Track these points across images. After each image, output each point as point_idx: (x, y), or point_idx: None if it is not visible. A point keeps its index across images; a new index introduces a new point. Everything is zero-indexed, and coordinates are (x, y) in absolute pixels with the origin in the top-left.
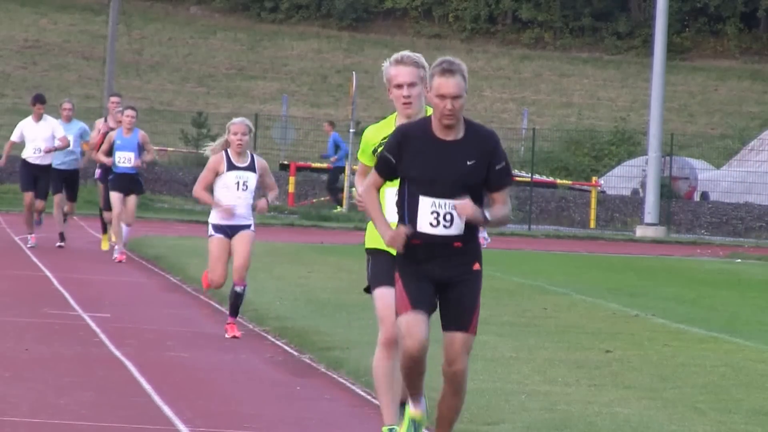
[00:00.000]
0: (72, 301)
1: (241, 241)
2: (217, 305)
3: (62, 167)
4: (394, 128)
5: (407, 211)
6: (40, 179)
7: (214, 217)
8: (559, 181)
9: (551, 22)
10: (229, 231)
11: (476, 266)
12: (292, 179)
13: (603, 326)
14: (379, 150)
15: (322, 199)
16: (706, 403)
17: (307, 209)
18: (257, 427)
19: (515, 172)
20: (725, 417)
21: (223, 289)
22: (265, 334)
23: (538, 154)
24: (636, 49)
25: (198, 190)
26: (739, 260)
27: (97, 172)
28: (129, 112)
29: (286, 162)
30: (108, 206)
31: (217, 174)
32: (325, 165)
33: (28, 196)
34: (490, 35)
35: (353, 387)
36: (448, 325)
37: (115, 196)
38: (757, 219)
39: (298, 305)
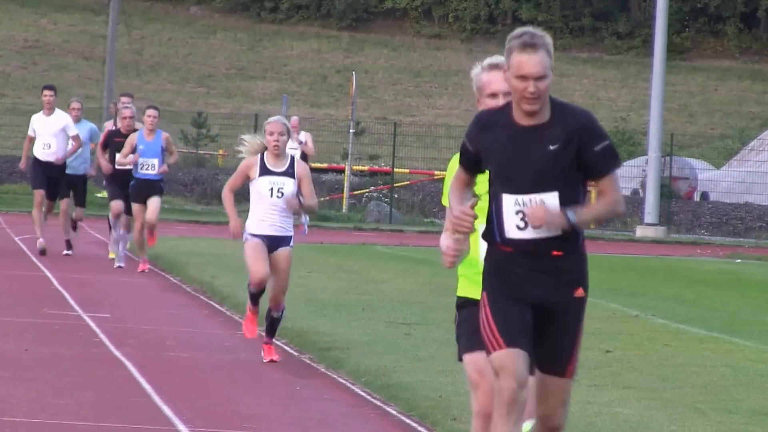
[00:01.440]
0: (72, 301)
1: (279, 264)
2: (217, 305)
3: (69, 171)
4: None
5: (495, 215)
6: (52, 179)
7: (252, 226)
8: None
9: (551, 22)
10: (266, 241)
11: (579, 292)
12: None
13: (603, 326)
14: None
15: (322, 199)
16: (706, 403)
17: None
18: (257, 427)
19: None
20: (725, 417)
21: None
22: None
23: None
24: (636, 49)
25: (225, 194)
26: (739, 260)
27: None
28: (151, 111)
29: None
30: (115, 196)
31: (247, 179)
32: (324, 165)
33: (39, 194)
34: (490, 35)
35: (353, 387)
36: (540, 365)
37: (137, 208)
38: (757, 219)
39: (298, 305)
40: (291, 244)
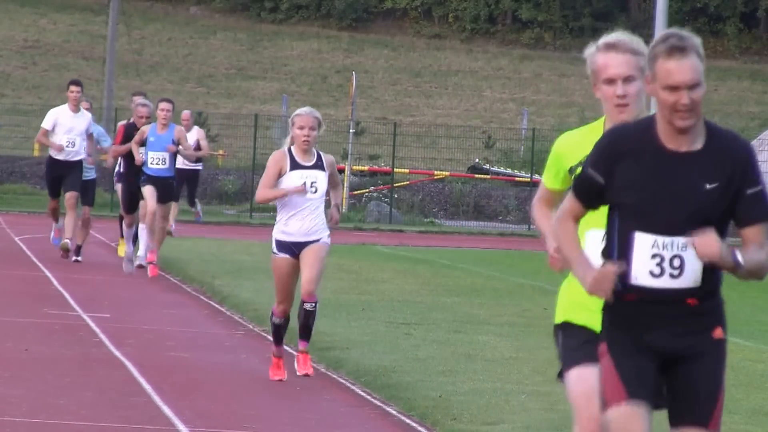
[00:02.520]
0: (72, 301)
1: (311, 252)
2: (217, 305)
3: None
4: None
5: (617, 252)
6: (69, 175)
7: (279, 233)
8: None
9: (551, 22)
10: (296, 249)
11: (718, 332)
12: None
13: None
14: (578, 170)
15: None
16: None
17: None
18: (257, 427)
19: (515, 172)
20: (725, 417)
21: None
22: (265, 334)
23: (538, 154)
24: None
25: (261, 192)
26: None
27: (117, 173)
28: (163, 104)
29: None
30: (128, 209)
31: (280, 173)
32: None
33: (54, 202)
34: (490, 35)
35: (353, 387)
36: (678, 419)
37: (149, 191)
38: None
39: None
40: (324, 240)
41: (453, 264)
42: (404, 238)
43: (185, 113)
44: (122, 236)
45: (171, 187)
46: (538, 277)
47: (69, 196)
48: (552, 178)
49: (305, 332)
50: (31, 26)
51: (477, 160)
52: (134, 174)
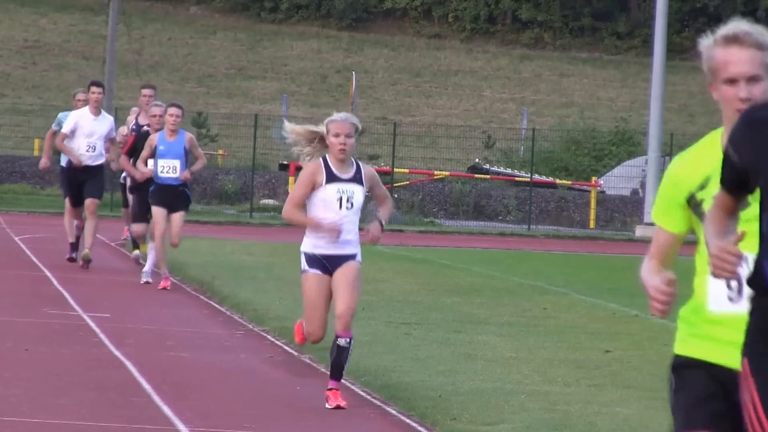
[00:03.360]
0: (72, 301)
1: (344, 277)
2: (217, 305)
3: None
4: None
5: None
6: (90, 181)
7: (309, 245)
8: (558, 181)
9: (551, 22)
10: (328, 264)
11: None
12: (291, 179)
13: (602, 326)
14: (701, 198)
15: None
16: None
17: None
18: (257, 427)
19: (515, 172)
20: None
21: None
22: (265, 334)
23: (538, 154)
24: (636, 49)
25: (289, 210)
26: None
27: (124, 177)
28: (173, 110)
29: (285, 162)
30: (138, 218)
31: (313, 188)
32: None
33: (74, 211)
34: (489, 35)
35: (353, 387)
36: None
37: (158, 213)
38: None
39: (298, 305)
40: (358, 259)
41: (453, 264)
42: (404, 238)
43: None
44: (135, 247)
45: (183, 196)
46: (538, 277)
47: (89, 203)
48: (665, 213)
49: (337, 371)
50: (31, 26)
51: (477, 160)
52: (143, 185)
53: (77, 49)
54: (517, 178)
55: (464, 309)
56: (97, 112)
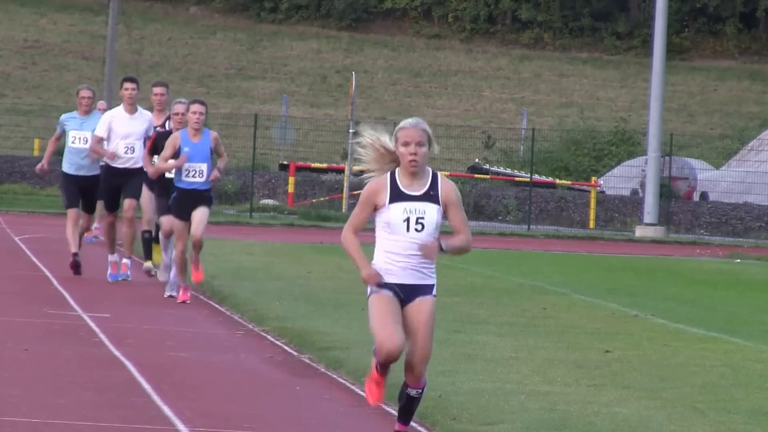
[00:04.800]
0: (72, 301)
1: (419, 320)
2: (216, 305)
3: (77, 173)
4: None
5: None
6: (129, 183)
7: (380, 271)
8: (558, 181)
9: (551, 22)
10: (400, 291)
11: None
12: (291, 179)
13: (602, 326)
14: None
15: (322, 199)
16: (706, 403)
17: (306, 209)
18: (257, 427)
19: (515, 172)
20: (724, 417)
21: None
22: (265, 334)
23: (538, 154)
24: (635, 49)
25: (346, 236)
26: (738, 260)
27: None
28: (196, 107)
29: (285, 162)
30: (164, 210)
31: (375, 208)
32: (324, 165)
33: (111, 217)
34: (489, 35)
35: (353, 387)
36: None
37: (179, 226)
38: (757, 219)
39: (298, 305)
40: (433, 292)
41: (453, 264)
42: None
43: (101, 103)
44: (156, 242)
45: (207, 198)
46: (538, 277)
47: (128, 206)
48: None
49: (406, 416)
50: (31, 26)
51: (477, 160)
52: (166, 189)
53: (77, 49)
54: (516, 178)
55: (464, 309)
56: (132, 110)
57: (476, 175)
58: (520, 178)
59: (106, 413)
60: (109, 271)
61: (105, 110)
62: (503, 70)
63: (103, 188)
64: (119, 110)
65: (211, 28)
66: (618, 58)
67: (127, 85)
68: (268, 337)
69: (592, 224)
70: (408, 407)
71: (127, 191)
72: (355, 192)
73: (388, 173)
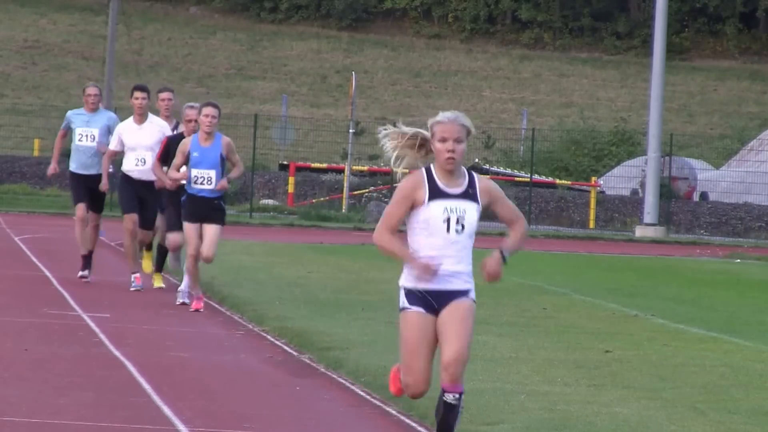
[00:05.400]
0: (72, 301)
1: (454, 317)
2: (216, 305)
3: (84, 172)
4: None
5: None
6: (147, 201)
7: (409, 279)
8: (558, 181)
9: (550, 23)
10: (434, 302)
11: None
12: (291, 179)
13: (602, 326)
14: None
15: (322, 199)
16: (706, 403)
17: (306, 209)
18: (257, 427)
19: (514, 172)
20: (724, 417)
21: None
22: (265, 334)
23: (538, 154)
24: (635, 49)
25: (380, 234)
26: (738, 260)
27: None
28: (208, 110)
29: (285, 162)
30: (173, 226)
31: (413, 206)
32: (324, 165)
33: (132, 219)
34: (489, 35)
35: (352, 387)
36: None
37: (190, 229)
38: (757, 219)
39: (298, 305)
40: (471, 296)
41: None
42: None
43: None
44: (149, 250)
45: (219, 209)
46: (538, 277)
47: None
48: None
49: (444, 429)
50: (31, 26)
51: (477, 160)
52: (179, 198)
53: (77, 49)
54: (516, 178)
55: None
56: (141, 120)
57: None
58: (520, 178)
59: (106, 413)
60: (133, 281)
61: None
62: (503, 70)
63: (123, 194)
64: (129, 121)
65: (211, 28)
66: (618, 58)
67: (138, 94)
68: (268, 337)
69: (592, 224)
70: (446, 420)
71: (146, 215)
72: (355, 192)
73: (423, 170)
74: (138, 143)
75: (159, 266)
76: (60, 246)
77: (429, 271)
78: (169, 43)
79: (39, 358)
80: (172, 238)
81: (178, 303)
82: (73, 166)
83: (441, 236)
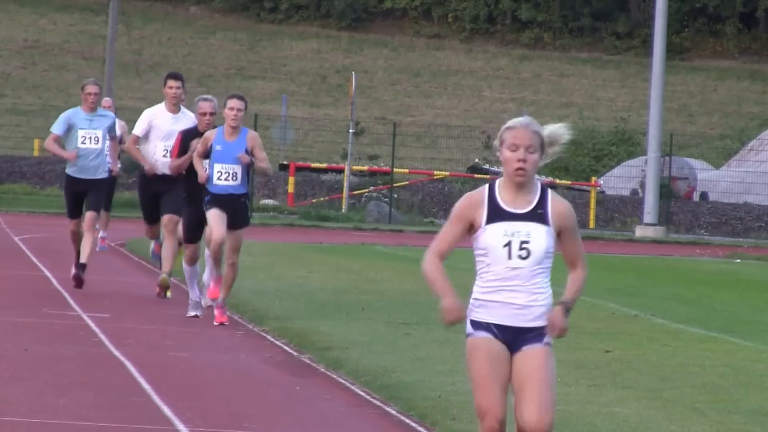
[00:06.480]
0: (72, 301)
1: (532, 369)
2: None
3: (82, 176)
4: None
5: None
6: (168, 194)
7: (479, 312)
8: (558, 181)
9: (550, 22)
10: (502, 336)
11: None
12: (291, 179)
13: (602, 326)
14: None
15: (322, 199)
16: (706, 403)
17: (306, 209)
18: (257, 427)
19: None
20: (724, 417)
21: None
22: (265, 334)
23: None
24: (635, 49)
25: (428, 261)
26: (738, 260)
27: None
28: (234, 102)
29: (285, 162)
30: (190, 238)
31: (471, 229)
32: (324, 165)
33: (152, 230)
34: (489, 35)
35: (352, 387)
36: None
37: (214, 215)
38: (756, 219)
39: (298, 305)
40: (547, 339)
41: (453, 264)
42: (404, 238)
43: (107, 100)
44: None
45: (244, 208)
46: None
47: (168, 220)
48: None
49: None
50: (31, 26)
51: (476, 160)
52: (197, 196)
53: (77, 49)
54: None
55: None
56: (176, 110)
57: (476, 175)
58: None
59: (106, 413)
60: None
61: (110, 108)
62: (503, 70)
63: (142, 198)
64: (161, 108)
65: (210, 28)
66: (618, 58)
67: (171, 83)
68: (268, 337)
69: (592, 224)
70: None
71: (166, 206)
72: (355, 192)
73: (486, 186)
74: (172, 132)
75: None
76: (60, 246)
77: (449, 317)
78: (169, 43)
79: (39, 358)
80: (189, 250)
81: (190, 315)
82: (71, 170)
83: (502, 264)
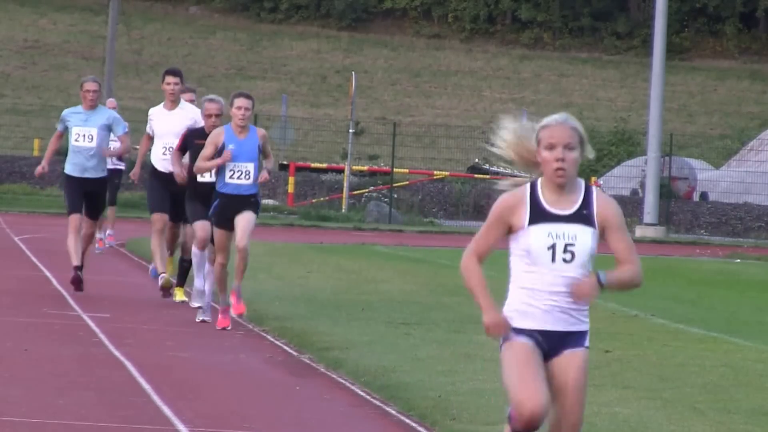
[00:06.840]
0: (72, 301)
1: (569, 378)
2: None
3: (81, 175)
4: None
5: None
6: (178, 194)
7: (517, 318)
8: None
9: (550, 22)
10: (543, 341)
11: None
12: (291, 179)
13: (602, 326)
14: None
15: (322, 199)
16: (706, 403)
17: (306, 209)
18: (257, 427)
19: (515, 172)
20: (724, 417)
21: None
22: (265, 334)
23: None
24: (635, 49)
25: (466, 263)
26: (738, 260)
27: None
28: (241, 101)
29: (285, 162)
30: (196, 215)
31: (510, 230)
32: (324, 165)
33: (161, 219)
34: (489, 35)
35: (352, 387)
36: None
37: (221, 236)
38: (756, 219)
39: (298, 305)
40: (585, 344)
41: (453, 264)
42: (404, 238)
43: (111, 101)
44: (172, 254)
45: (254, 205)
46: None
47: (158, 219)
48: None
49: None
50: (31, 26)
51: (477, 160)
52: (204, 196)
53: (77, 49)
54: (516, 178)
55: (464, 309)
56: (173, 106)
57: (476, 175)
58: (520, 178)
59: (106, 413)
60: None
61: (114, 109)
62: (503, 70)
63: (151, 194)
64: (159, 106)
65: (210, 28)
66: (618, 58)
67: (169, 79)
68: (268, 337)
69: None
70: None
71: (179, 211)
72: (355, 192)
73: (528, 185)
74: (168, 130)
75: (182, 281)
76: (60, 246)
77: (497, 332)
78: (168, 43)
79: (39, 358)
80: (201, 228)
81: (198, 321)
82: (69, 168)
83: (546, 267)
